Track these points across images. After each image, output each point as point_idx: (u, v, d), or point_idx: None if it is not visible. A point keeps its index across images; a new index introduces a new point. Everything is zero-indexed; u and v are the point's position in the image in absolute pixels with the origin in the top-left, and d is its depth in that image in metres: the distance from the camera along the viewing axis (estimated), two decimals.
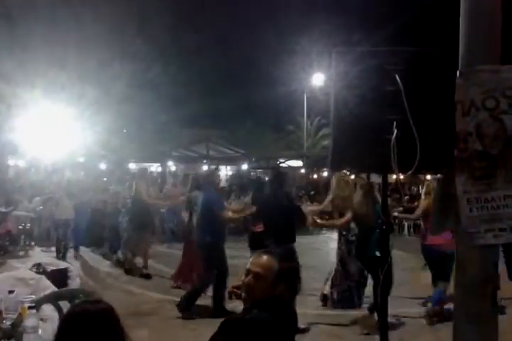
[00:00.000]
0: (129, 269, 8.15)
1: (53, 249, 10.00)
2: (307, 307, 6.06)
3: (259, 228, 6.70)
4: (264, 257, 2.28)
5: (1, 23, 13.96)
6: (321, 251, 10.72)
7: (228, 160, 21.73)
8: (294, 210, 5.83)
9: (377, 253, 4.46)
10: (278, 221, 5.46)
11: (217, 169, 12.90)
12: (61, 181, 10.33)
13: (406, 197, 14.17)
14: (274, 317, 2.15)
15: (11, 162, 16.79)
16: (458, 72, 2.31)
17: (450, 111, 2.30)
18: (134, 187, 8.30)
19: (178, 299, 6.58)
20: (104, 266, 9.10)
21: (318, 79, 26.15)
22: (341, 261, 6.28)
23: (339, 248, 6.39)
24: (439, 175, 2.86)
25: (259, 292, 2.21)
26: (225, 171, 25.07)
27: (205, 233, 5.91)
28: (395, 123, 2.51)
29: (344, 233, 6.29)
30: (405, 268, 7.88)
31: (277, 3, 27.31)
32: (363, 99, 2.68)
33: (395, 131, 2.49)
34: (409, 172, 2.45)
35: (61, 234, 9.56)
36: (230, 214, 6.41)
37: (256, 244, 6.89)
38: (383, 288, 2.53)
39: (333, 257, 7.05)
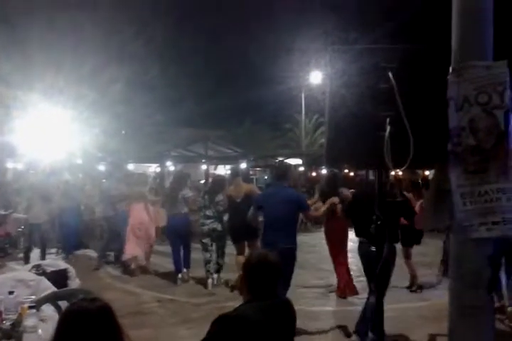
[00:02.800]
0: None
1: (52, 250, 10.03)
2: (304, 304, 6.10)
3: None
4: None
5: (0, 27, 14.00)
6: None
7: (227, 160, 21.75)
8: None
9: None
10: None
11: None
12: (59, 183, 10.27)
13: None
14: (260, 313, 2.20)
15: (9, 165, 16.78)
16: (450, 69, 2.33)
17: (443, 107, 2.32)
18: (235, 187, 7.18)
19: (177, 298, 6.63)
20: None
21: (315, 77, 26.13)
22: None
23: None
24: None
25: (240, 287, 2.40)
26: (224, 170, 25.11)
27: (290, 237, 5.13)
28: (388, 119, 2.54)
29: None
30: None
31: (273, 1, 27.33)
32: (358, 96, 2.70)
33: (389, 128, 2.51)
34: (403, 168, 2.47)
35: (36, 238, 9.16)
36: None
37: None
38: (379, 283, 2.55)
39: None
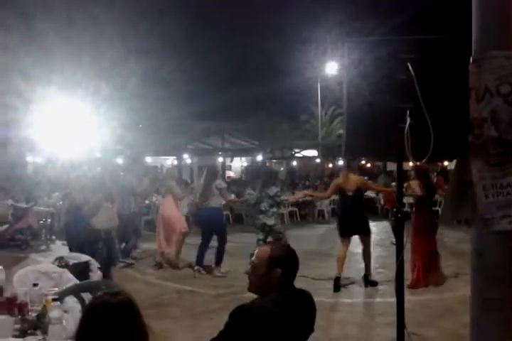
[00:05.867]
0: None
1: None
2: (323, 296, 6.12)
3: None
4: (261, 247, 2.44)
5: (19, 21, 14.15)
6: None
7: (243, 152, 21.78)
8: None
9: None
10: None
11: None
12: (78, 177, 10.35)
13: None
14: (277, 305, 2.20)
15: (29, 159, 17.06)
16: (471, 59, 2.29)
17: (463, 98, 2.29)
18: None
19: (196, 289, 6.70)
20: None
21: (331, 67, 25.94)
22: None
23: None
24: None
25: (255, 280, 2.34)
26: (240, 162, 25.17)
27: None
28: (408, 111, 2.51)
29: None
30: None
31: None
32: (376, 88, 2.68)
33: (409, 120, 2.49)
34: (424, 161, 2.44)
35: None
36: None
37: None
38: (399, 274, 2.55)
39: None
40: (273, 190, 7.23)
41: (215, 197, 7.67)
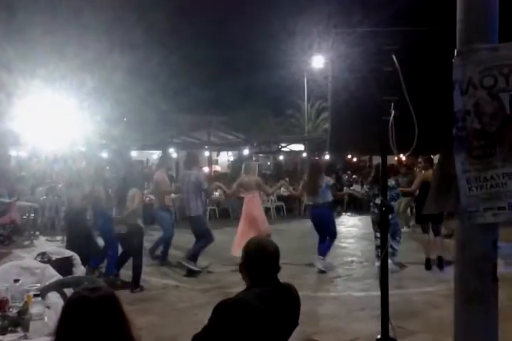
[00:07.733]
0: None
1: (58, 238, 10.06)
2: (308, 289, 6.14)
3: None
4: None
5: (2, 13, 13.90)
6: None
7: (229, 146, 21.71)
8: None
9: None
10: None
11: None
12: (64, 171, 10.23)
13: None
14: (260, 299, 2.20)
15: (13, 152, 16.83)
16: (455, 51, 2.28)
17: (448, 90, 2.28)
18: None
19: (182, 284, 6.66)
20: None
21: (318, 61, 25.83)
22: None
23: None
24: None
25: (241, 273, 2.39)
26: (227, 156, 25.10)
27: None
28: (392, 104, 2.50)
29: None
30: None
31: None
32: (361, 80, 2.66)
33: (393, 112, 2.48)
34: (408, 153, 2.44)
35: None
36: None
37: None
38: (383, 266, 2.54)
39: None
40: (391, 182, 7.20)
41: (323, 194, 7.58)
